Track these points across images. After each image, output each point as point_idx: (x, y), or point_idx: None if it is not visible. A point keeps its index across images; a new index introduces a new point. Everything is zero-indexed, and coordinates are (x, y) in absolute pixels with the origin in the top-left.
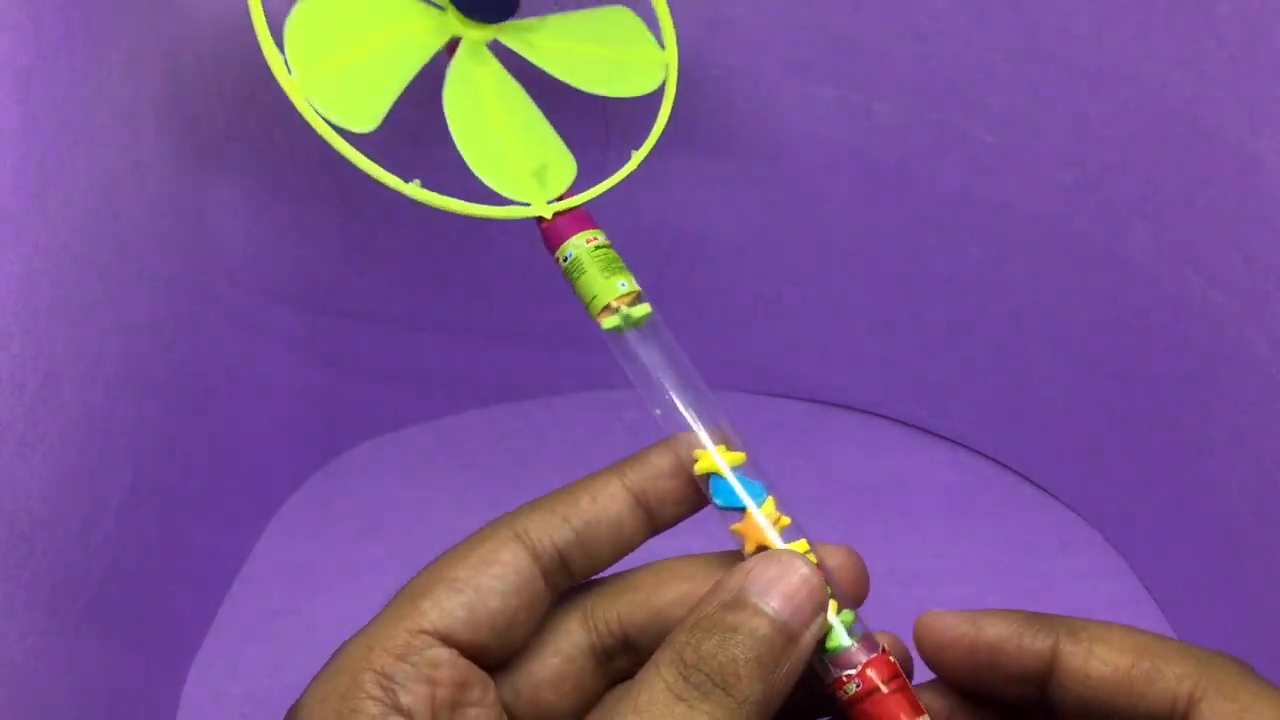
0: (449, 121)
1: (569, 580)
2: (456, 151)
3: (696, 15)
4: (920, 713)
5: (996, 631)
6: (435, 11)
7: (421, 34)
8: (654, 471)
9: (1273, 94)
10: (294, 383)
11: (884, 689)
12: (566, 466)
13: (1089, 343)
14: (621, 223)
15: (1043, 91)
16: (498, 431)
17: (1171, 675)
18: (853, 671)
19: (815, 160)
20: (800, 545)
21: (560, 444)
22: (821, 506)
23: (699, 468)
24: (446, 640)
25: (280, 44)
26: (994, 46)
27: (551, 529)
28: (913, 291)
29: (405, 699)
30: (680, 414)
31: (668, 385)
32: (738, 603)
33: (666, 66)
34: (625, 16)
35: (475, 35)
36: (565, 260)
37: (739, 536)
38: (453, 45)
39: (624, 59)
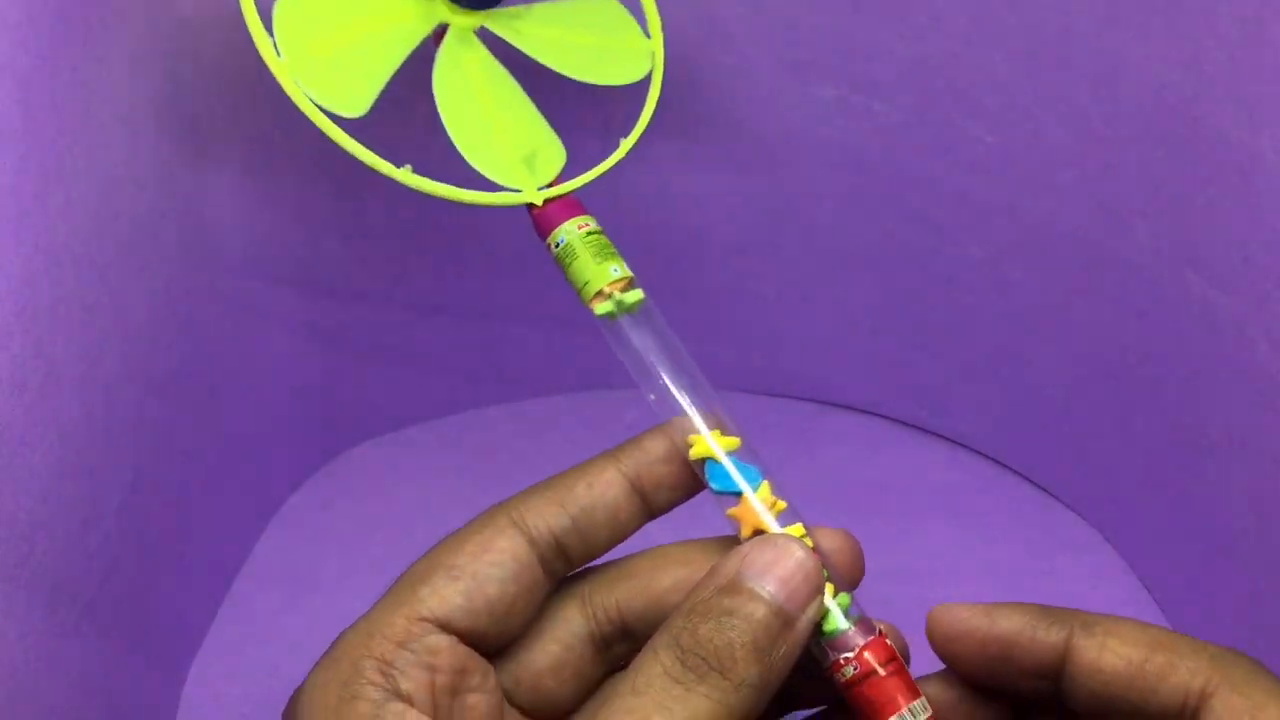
0: (439, 107)
1: (567, 567)
2: (447, 138)
3: (696, 15)
4: (917, 695)
5: (1010, 624)
6: None
7: (409, 20)
8: (649, 457)
9: (1273, 94)
10: (294, 383)
11: (881, 671)
12: (566, 466)
13: (1089, 343)
14: (621, 223)
15: (1043, 91)
16: (498, 431)
17: (1185, 670)
18: (850, 654)
19: (815, 160)
20: (796, 529)
21: (560, 444)
22: (821, 506)
23: (694, 453)
24: (445, 627)
25: (269, 28)
26: (994, 46)
27: (548, 516)
28: (913, 291)
29: (405, 685)
30: (674, 399)
31: (661, 370)
32: (733, 587)
33: (652, 55)
34: (610, 5)
35: (463, 22)
36: (557, 246)
37: (735, 521)
38: (440, 32)
39: (611, 47)
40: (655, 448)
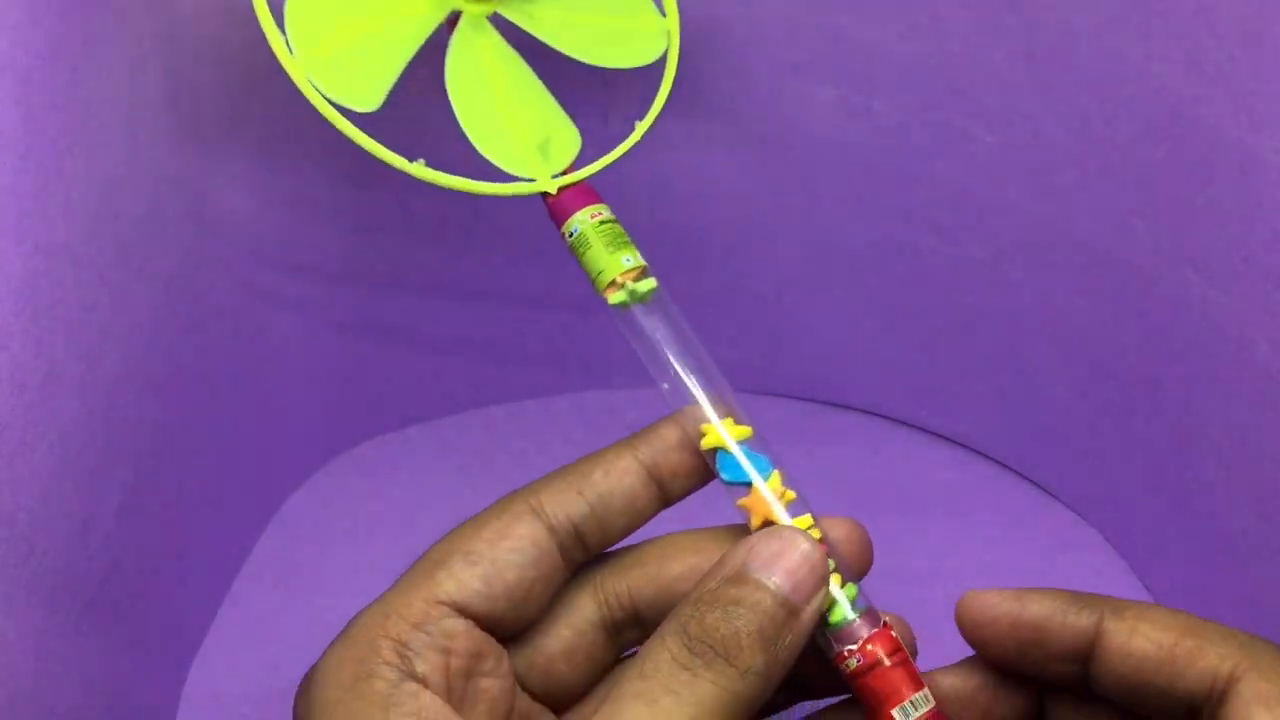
0: (451, 97)
1: (584, 554)
2: (459, 128)
3: (695, 15)
4: (920, 686)
5: (1040, 609)
6: None
7: (422, 9)
8: (664, 444)
9: (1273, 94)
10: (294, 383)
11: (886, 662)
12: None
13: (1089, 343)
14: (620, 223)
15: (1043, 91)
16: (498, 431)
17: (1214, 654)
18: (854, 646)
19: (815, 160)
20: (805, 520)
21: (560, 444)
22: (822, 506)
23: (705, 442)
24: (463, 611)
25: (281, 24)
26: (994, 46)
27: (566, 503)
28: (913, 291)
29: (421, 667)
30: (687, 388)
31: (674, 359)
32: (740, 578)
33: (668, 34)
34: None
35: (476, 9)
36: (570, 236)
37: (745, 511)
38: (453, 19)
39: (625, 28)
40: (670, 435)
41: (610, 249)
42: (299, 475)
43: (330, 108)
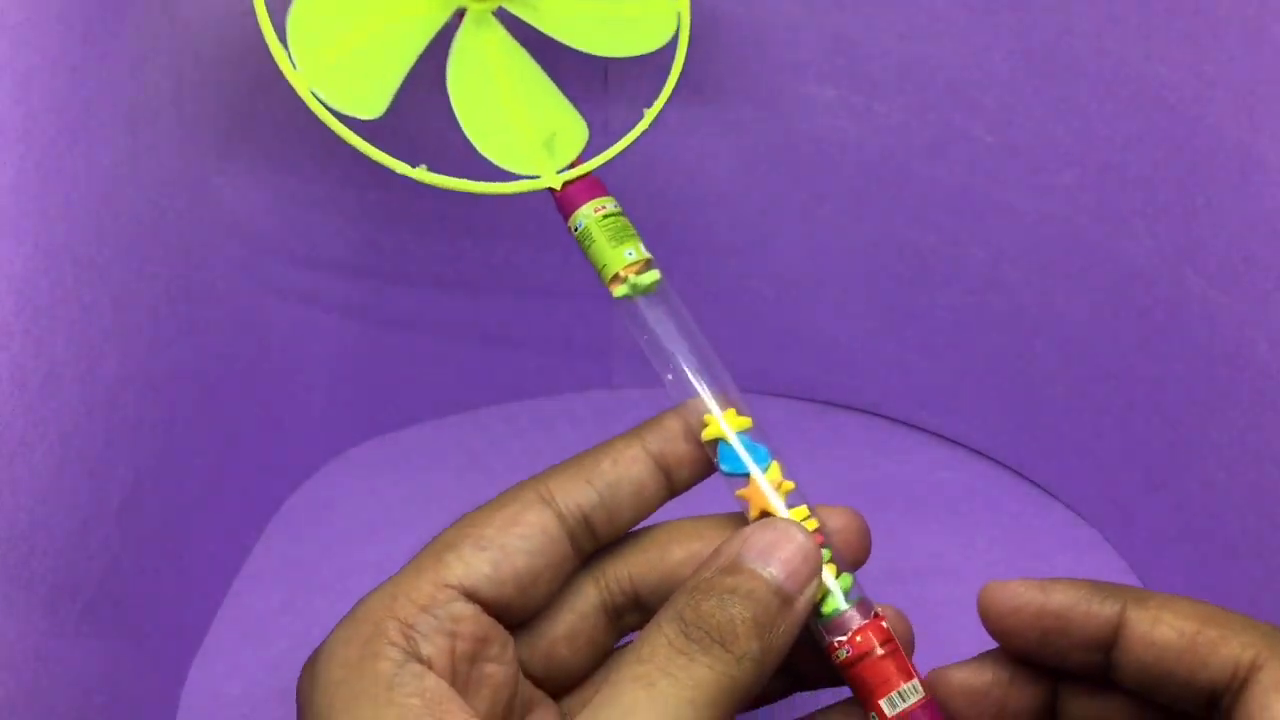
0: (451, 96)
1: (593, 543)
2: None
3: (695, 15)
4: (910, 677)
5: (1064, 598)
6: None
7: (426, 8)
8: (671, 434)
9: (1273, 94)
10: (294, 383)
11: (878, 652)
12: None
13: (1089, 342)
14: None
15: (1043, 91)
16: (498, 431)
17: (1236, 643)
18: (845, 636)
19: (815, 160)
20: (801, 510)
21: (560, 444)
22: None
23: (706, 433)
24: (471, 596)
25: (283, 37)
26: (994, 46)
27: (575, 491)
28: (913, 291)
29: (426, 649)
30: (689, 380)
31: (677, 352)
32: (735, 567)
33: (679, 14)
34: None
35: (480, 6)
36: (576, 230)
37: (744, 502)
38: (459, 15)
39: (632, 14)
40: (676, 425)
41: (614, 243)
42: (299, 475)
43: (334, 119)
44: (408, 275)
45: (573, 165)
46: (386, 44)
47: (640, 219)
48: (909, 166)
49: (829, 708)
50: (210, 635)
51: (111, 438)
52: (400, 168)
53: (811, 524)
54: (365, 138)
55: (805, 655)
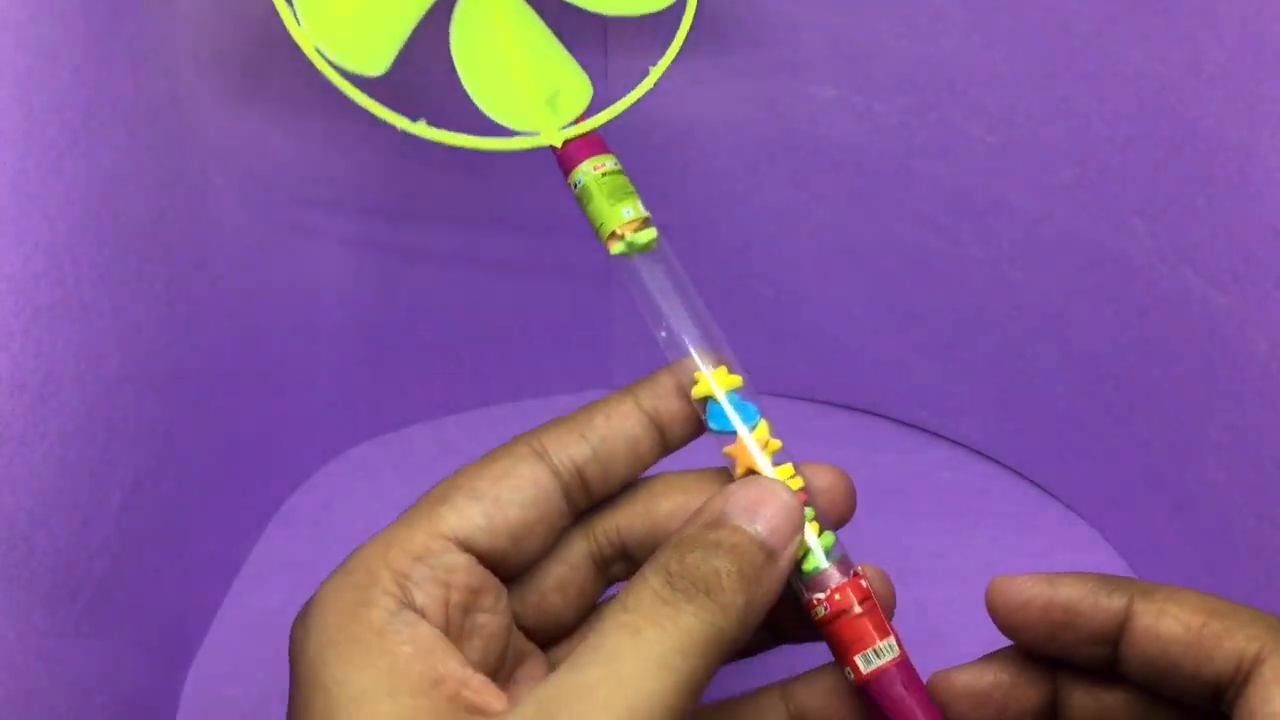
0: (454, 52)
1: (588, 498)
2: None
3: (695, 15)
4: (886, 635)
5: (1072, 591)
6: None
7: None
8: (664, 391)
9: (1273, 94)
10: (294, 383)
11: (855, 610)
12: None
13: (1089, 343)
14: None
15: (1043, 91)
16: (498, 431)
17: (1241, 636)
18: (824, 594)
19: (815, 160)
20: (787, 469)
21: None
22: None
23: (696, 391)
24: (464, 546)
25: None
26: (994, 46)
27: (569, 445)
28: (913, 291)
29: (420, 598)
30: (681, 338)
31: (671, 310)
32: (719, 522)
33: None
34: None
35: None
36: (575, 187)
37: (730, 459)
38: None
39: None
40: (669, 382)
41: (612, 201)
42: (299, 475)
43: (338, 75)
44: (408, 275)
45: (576, 122)
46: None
47: None
48: (909, 166)
49: (812, 670)
50: (210, 635)
51: (111, 438)
52: (401, 122)
53: (796, 482)
54: (369, 94)
55: (788, 612)
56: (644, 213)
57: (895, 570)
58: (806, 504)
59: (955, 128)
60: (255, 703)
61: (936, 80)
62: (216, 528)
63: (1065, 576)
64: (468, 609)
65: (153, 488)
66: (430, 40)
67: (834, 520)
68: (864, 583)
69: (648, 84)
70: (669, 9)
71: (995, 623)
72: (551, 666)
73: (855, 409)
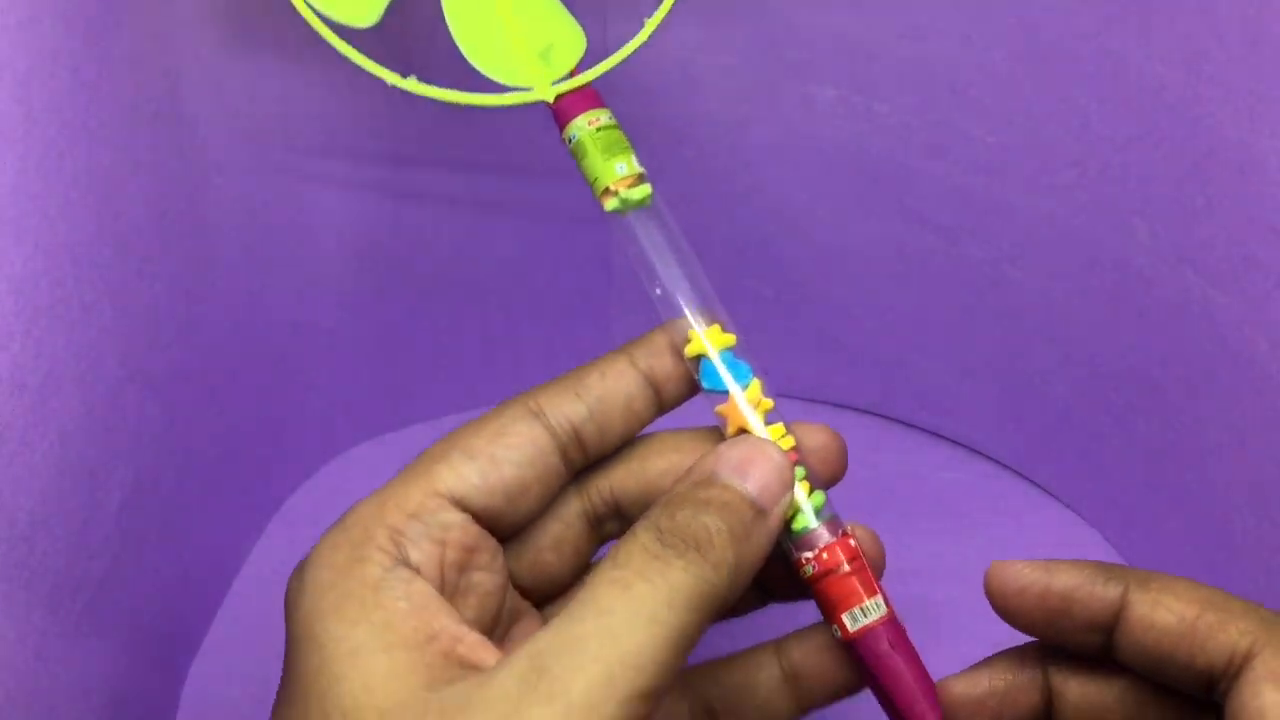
0: (445, 6)
1: (584, 457)
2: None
3: (695, 14)
4: (874, 594)
5: (1068, 579)
6: None
7: None
8: (658, 350)
9: (1273, 94)
10: (294, 383)
11: (844, 569)
12: None
13: (1089, 343)
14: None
15: (1043, 91)
16: None
17: (1235, 629)
18: (812, 553)
19: (815, 160)
20: (778, 428)
21: None
22: None
23: (689, 350)
24: (460, 504)
25: None
26: (994, 46)
27: (564, 404)
28: (913, 291)
29: (415, 555)
30: (675, 296)
31: (665, 267)
32: (710, 481)
33: None
34: None
35: None
36: (570, 142)
37: (722, 418)
38: None
39: None
40: (663, 341)
41: (606, 156)
42: (299, 475)
43: (326, 28)
44: (408, 275)
45: (570, 76)
46: None
47: None
48: (909, 166)
49: (805, 628)
50: (210, 635)
51: (111, 438)
52: (390, 77)
53: (788, 442)
54: (357, 47)
55: (777, 570)
56: (639, 168)
57: (895, 570)
58: (797, 463)
59: (955, 128)
60: (255, 703)
61: (936, 80)
62: (216, 528)
63: (1062, 564)
64: (463, 567)
65: (153, 488)
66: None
67: (825, 480)
68: (853, 542)
69: (643, 36)
70: None
71: (992, 606)
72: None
73: (855, 409)
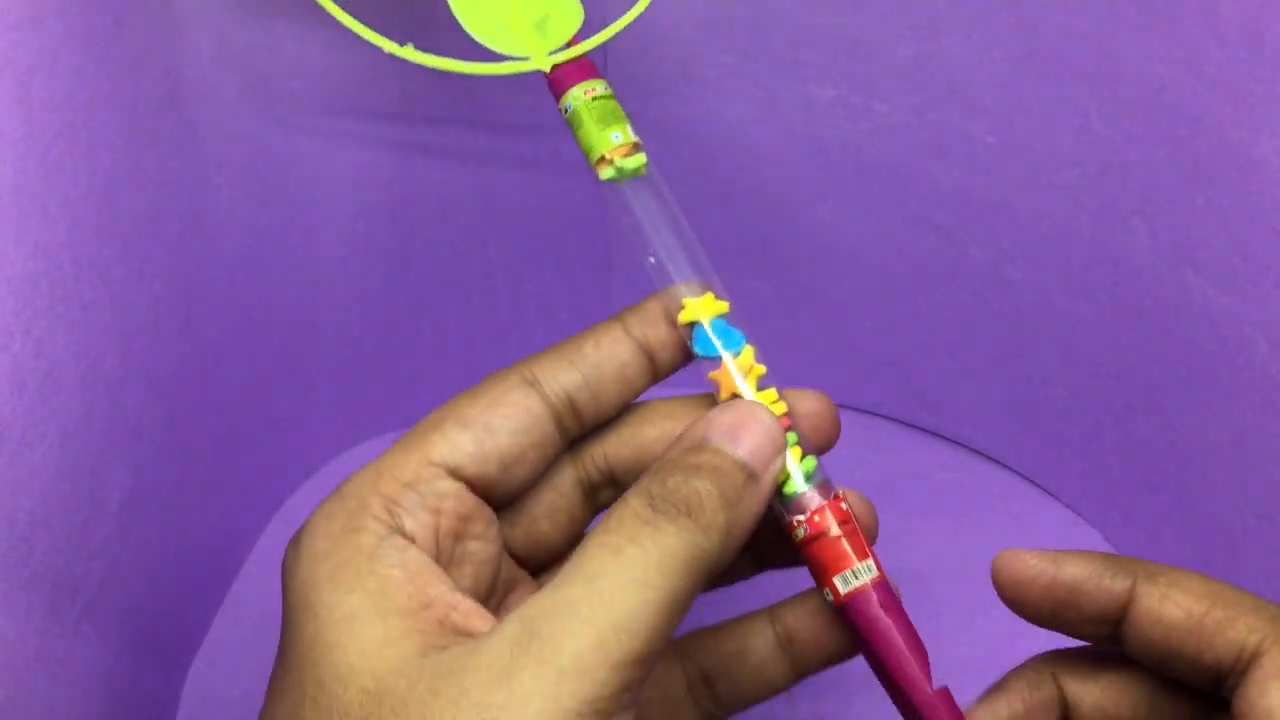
0: None
1: (579, 426)
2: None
3: (695, 14)
4: (865, 557)
5: (1076, 571)
6: None
7: None
8: (652, 317)
9: (1273, 94)
10: (294, 382)
11: (834, 532)
12: None
13: (1089, 343)
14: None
15: (1043, 91)
16: None
17: (1243, 626)
18: (803, 516)
19: (815, 160)
20: (770, 394)
21: None
22: None
23: (683, 317)
24: (455, 473)
25: None
26: (994, 46)
27: (559, 373)
28: (913, 291)
29: (409, 524)
30: (668, 265)
31: (659, 236)
32: (701, 446)
33: None
34: None
35: None
36: (566, 112)
37: (714, 384)
38: None
39: None
40: (657, 309)
41: (601, 125)
42: (299, 475)
43: None
44: (408, 274)
45: (567, 47)
46: None
47: None
48: (909, 166)
49: (800, 594)
50: (210, 635)
51: (111, 438)
52: (387, 45)
53: (780, 407)
54: (354, 15)
55: (770, 536)
56: (633, 138)
57: (896, 570)
58: (789, 429)
59: (955, 128)
60: (255, 703)
61: (936, 80)
62: (216, 528)
63: (1071, 555)
64: (458, 536)
65: (153, 488)
66: None
67: (817, 445)
68: (844, 506)
69: (640, 7)
70: None
71: (999, 596)
72: None
73: (855, 409)
